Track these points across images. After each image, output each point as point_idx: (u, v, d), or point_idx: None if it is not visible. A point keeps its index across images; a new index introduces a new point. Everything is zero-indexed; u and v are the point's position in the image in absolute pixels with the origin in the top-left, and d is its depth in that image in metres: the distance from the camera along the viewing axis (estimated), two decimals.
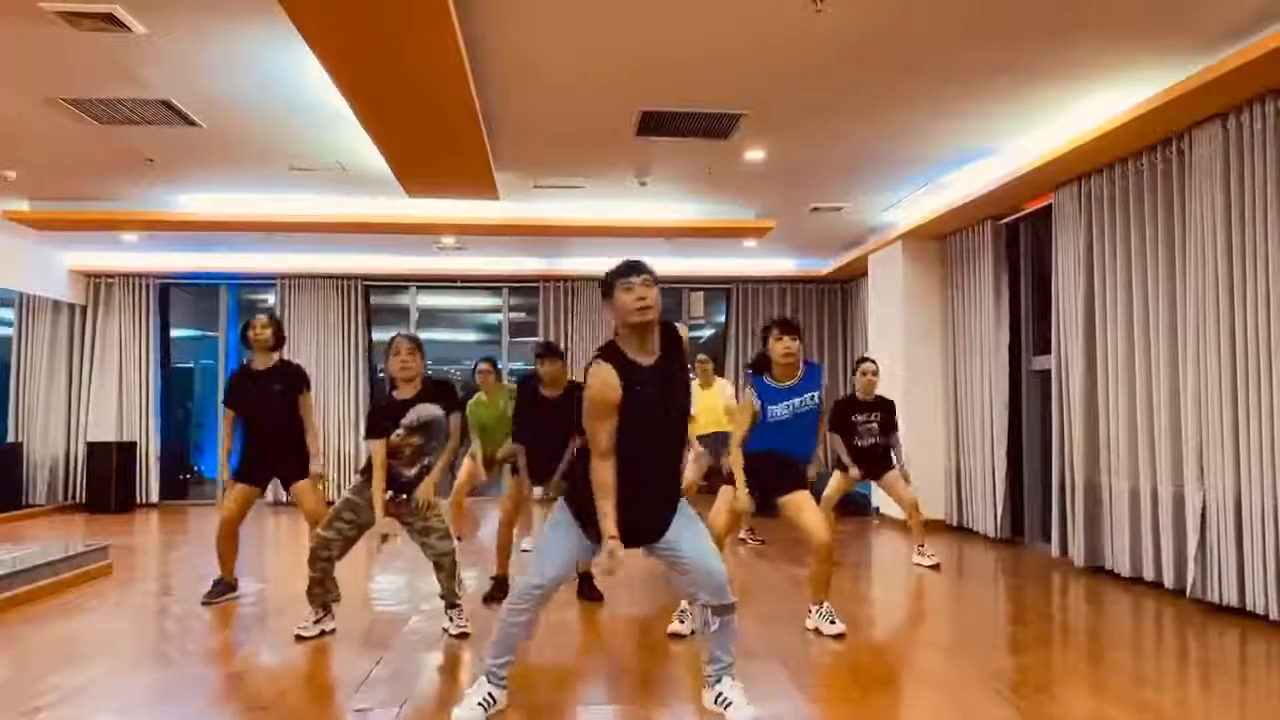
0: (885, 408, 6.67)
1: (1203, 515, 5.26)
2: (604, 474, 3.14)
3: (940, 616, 5.52)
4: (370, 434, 4.53)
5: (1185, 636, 4.84)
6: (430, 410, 4.52)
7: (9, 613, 5.10)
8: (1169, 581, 5.60)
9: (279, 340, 5.46)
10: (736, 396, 7.73)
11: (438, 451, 4.59)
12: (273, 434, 5.36)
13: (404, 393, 4.51)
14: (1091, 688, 3.81)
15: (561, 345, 9.55)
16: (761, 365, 4.63)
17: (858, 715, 3.56)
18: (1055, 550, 6.77)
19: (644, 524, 3.28)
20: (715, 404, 7.63)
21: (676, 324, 3.33)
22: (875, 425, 6.59)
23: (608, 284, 3.20)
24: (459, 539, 7.23)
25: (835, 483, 6.81)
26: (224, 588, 5.52)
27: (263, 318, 5.46)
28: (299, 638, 4.58)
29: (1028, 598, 5.88)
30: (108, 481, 10.25)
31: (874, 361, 6.81)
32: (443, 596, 4.72)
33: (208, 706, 3.66)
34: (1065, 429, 6.71)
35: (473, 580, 5.98)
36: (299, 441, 5.38)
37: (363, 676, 3.95)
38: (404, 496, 4.57)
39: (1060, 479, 6.76)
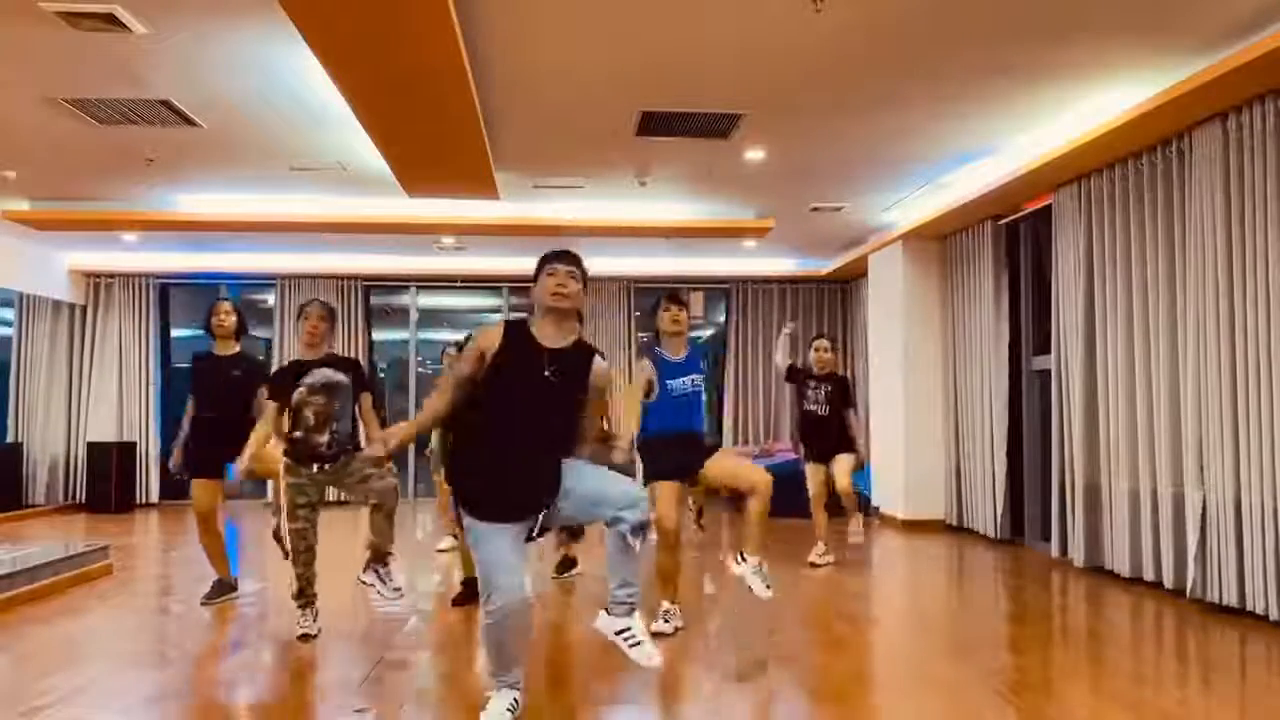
0: (837, 384, 6.85)
1: (1203, 516, 5.26)
2: (435, 403, 3.29)
3: (940, 616, 5.52)
4: (271, 395, 4.64)
5: (1185, 637, 4.84)
6: (333, 375, 4.58)
7: (9, 613, 5.09)
8: (1169, 582, 5.60)
9: (242, 328, 5.47)
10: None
11: (346, 419, 4.58)
12: (224, 421, 5.28)
13: (307, 355, 4.64)
14: (1091, 688, 3.81)
15: None
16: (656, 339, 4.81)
17: (858, 715, 3.56)
18: (1055, 550, 6.77)
19: (515, 498, 3.20)
20: None
21: (600, 359, 3.37)
22: (823, 395, 6.76)
23: (540, 264, 3.30)
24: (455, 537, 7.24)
25: (811, 477, 6.84)
26: (223, 588, 5.48)
27: (226, 304, 5.46)
28: (305, 637, 4.55)
29: (1028, 598, 5.88)
30: (108, 481, 10.25)
31: (827, 339, 7.03)
32: (370, 546, 4.66)
33: (208, 706, 3.66)
34: (1065, 429, 6.71)
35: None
36: (239, 435, 5.32)
37: (363, 676, 3.95)
38: (326, 466, 4.55)
39: (1060, 479, 6.76)
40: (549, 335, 3.24)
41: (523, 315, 3.36)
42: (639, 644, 3.29)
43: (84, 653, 4.38)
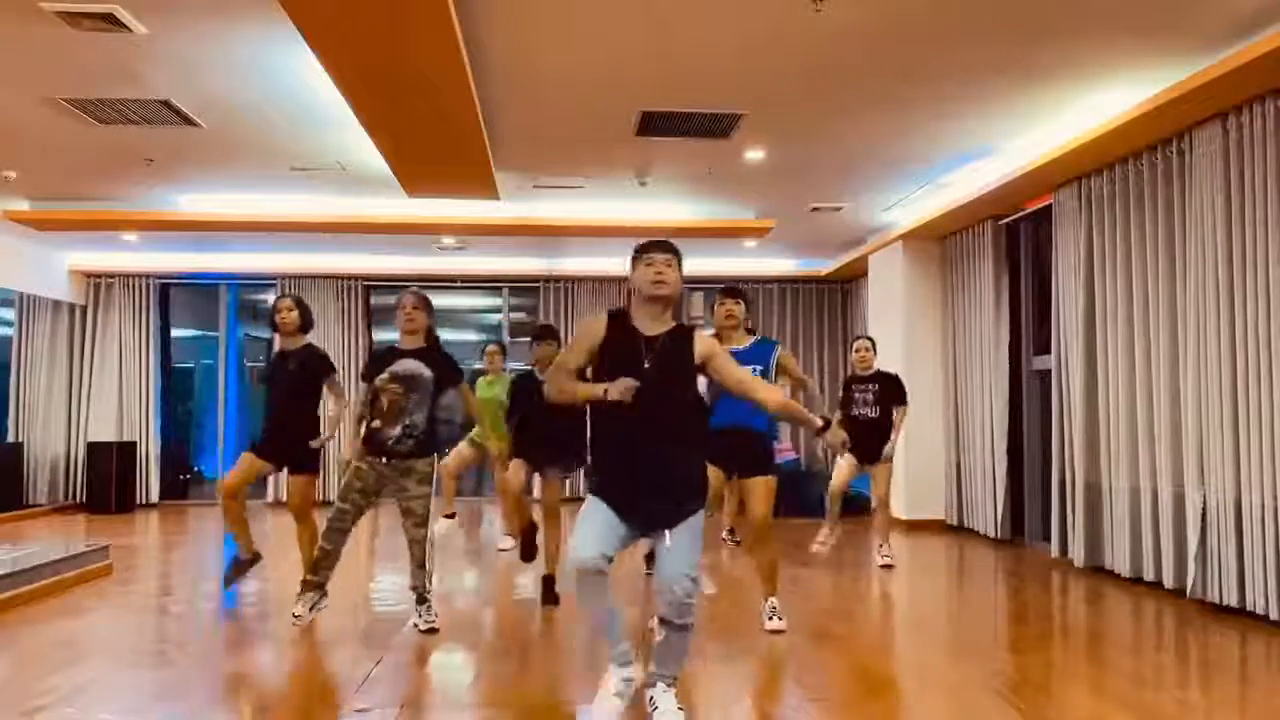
0: (885, 381, 6.75)
1: (1203, 515, 5.25)
2: (563, 381, 3.28)
3: (940, 616, 5.52)
4: (363, 376, 4.75)
5: (1185, 637, 4.84)
6: (418, 367, 4.58)
7: (9, 613, 5.09)
8: (1169, 582, 5.60)
9: (306, 323, 5.36)
10: None
11: (422, 413, 4.57)
12: (283, 416, 5.26)
13: (404, 344, 4.69)
14: (1091, 688, 3.81)
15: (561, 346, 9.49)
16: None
17: (858, 716, 3.56)
18: (1055, 550, 6.77)
19: (639, 501, 3.17)
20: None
21: (701, 329, 3.34)
22: (871, 397, 6.70)
23: (634, 256, 3.31)
24: (450, 516, 7.24)
25: (841, 471, 6.83)
26: (243, 564, 5.32)
27: (287, 300, 5.38)
28: (296, 617, 4.56)
29: (1028, 598, 5.88)
30: (108, 481, 10.24)
31: (866, 339, 6.97)
32: (412, 588, 4.70)
33: (208, 706, 3.66)
34: (1065, 429, 6.71)
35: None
36: (308, 432, 5.28)
37: (363, 676, 3.95)
38: (389, 460, 4.57)
39: (1060, 479, 6.76)
40: (646, 324, 3.27)
41: (620, 306, 3.39)
42: (656, 709, 3.24)
43: (84, 653, 4.38)
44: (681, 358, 3.24)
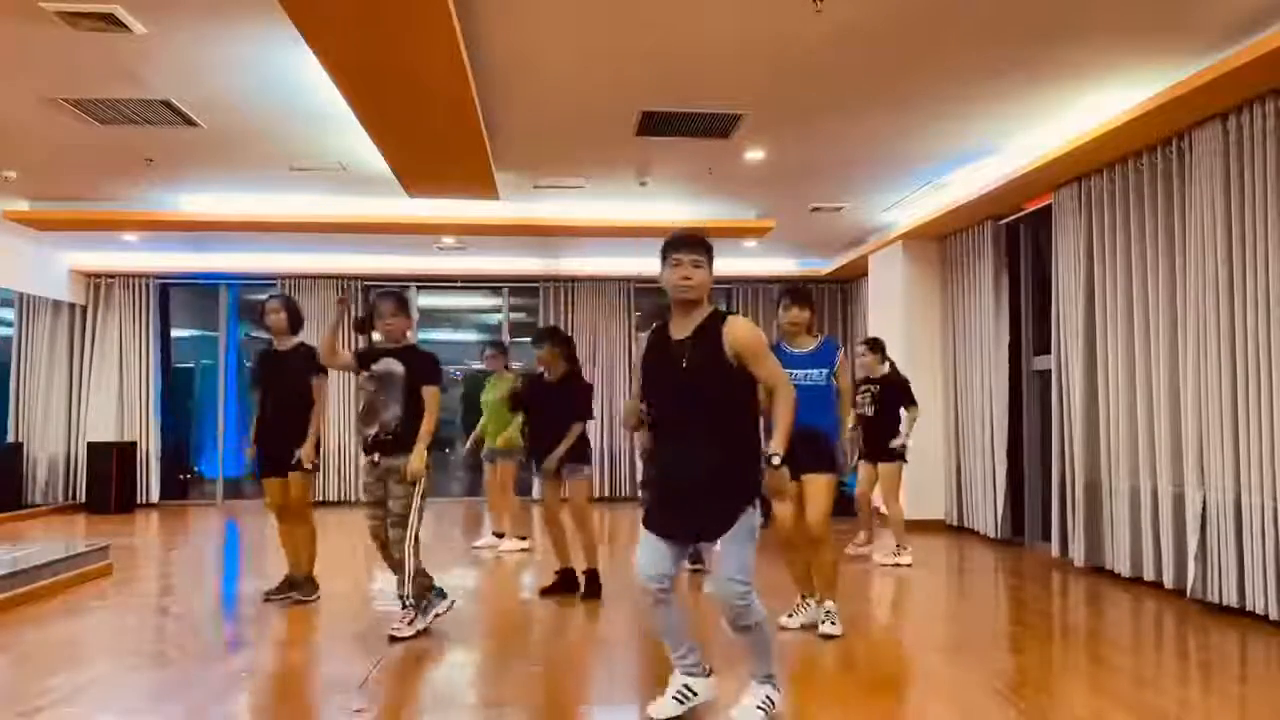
0: (886, 385, 6.94)
1: (1203, 515, 5.25)
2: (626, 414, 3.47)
3: (940, 616, 5.52)
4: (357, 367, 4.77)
5: (1185, 636, 4.84)
6: (394, 366, 4.58)
7: (9, 613, 5.09)
8: (1169, 581, 5.60)
9: (295, 323, 5.43)
10: None
11: (394, 411, 4.55)
12: (276, 420, 5.30)
13: (386, 343, 4.70)
14: (1092, 688, 3.81)
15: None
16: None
17: (858, 715, 3.55)
18: (1055, 550, 6.77)
19: (687, 513, 3.20)
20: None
21: (734, 318, 3.23)
22: (869, 399, 6.91)
23: (663, 252, 3.28)
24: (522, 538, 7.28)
25: (861, 476, 7.05)
26: (297, 586, 5.36)
27: (275, 302, 5.44)
28: (392, 639, 4.44)
29: (1028, 598, 5.88)
30: (108, 481, 10.24)
31: (862, 343, 7.20)
32: (398, 595, 4.66)
33: (208, 706, 3.66)
34: (1065, 429, 6.70)
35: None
36: (303, 432, 5.28)
37: (363, 676, 3.95)
38: (380, 459, 4.57)
39: (1060, 479, 6.76)
40: (678, 326, 3.25)
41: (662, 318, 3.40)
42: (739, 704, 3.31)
43: (84, 653, 4.38)
44: (712, 354, 3.15)
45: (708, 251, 3.25)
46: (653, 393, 3.30)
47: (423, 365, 4.64)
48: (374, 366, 4.61)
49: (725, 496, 3.16)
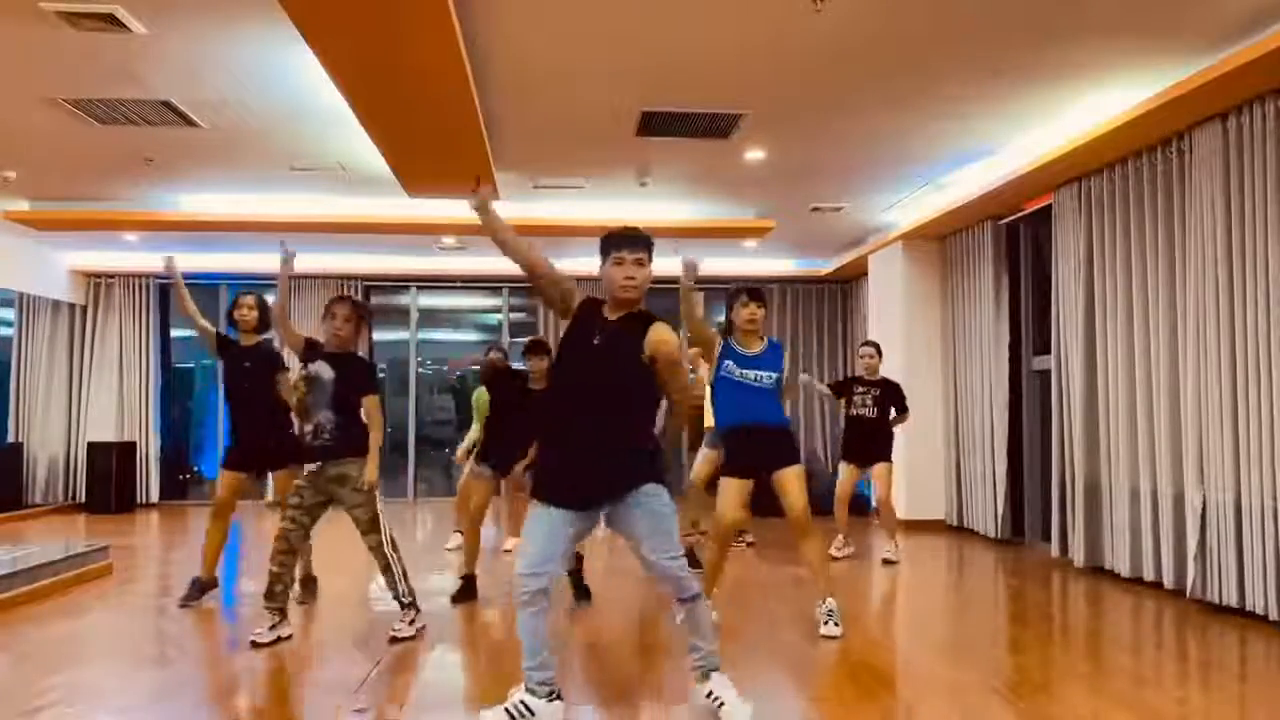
0: (886, 388, 7.00)
1: (1203, 515, 5.25)
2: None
3: (940, 616, 5.52)
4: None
5: (1185, 637, 4.84)
6: (324, 371, 4.47)
7: (9, 613, 5.10)
8: (1169, 581, 5.60)
9: (265, 322, 5.43)
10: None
11: (325, 412, 4.47)
12: (248, 418, 5.33)
13: (329, 346, 4.59)
14: (1091, 688, 3.81)
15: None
16: (727, 330, 4.81)
17: (858, 715, 3.55)
18: (1055, 550, 6.77)
19: (577, 475, 3.19)
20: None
21: (662, 323, 3.23)
22: (870, 400, 6.94)
23: (604, 248, 3.24)
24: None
25: (843, 477, 7.07)
26: (201, 587, 5.33)
27: (250, 298, 5.44)
28: (254, 644, 4.37)
29: (1028, 598, 5.88)
30: (108, 481, 10.24)
31: (870, 344, 7.21)
32: (394, 598, 4.63)
33: (207, 706, 3.66)
34: (1065, 429, 6.71)
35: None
36: (280, 426, 5.27)
37: (363, 676, 3.95)
38: (321, 465, 4.48)
39: (1060, 479, 6.76)
40: (612, 310, 3.27)
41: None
42: (722, 704, 3.29)
43: (84, 653, 4.38)
44: (631, 344, 3.18)
45: (649, 249, 3.25)
46: (568, 357, 3.28)
47: (355, 374, 4.54)
48: (310, 366, 4.52)
49: (625, 459, 3.19)
